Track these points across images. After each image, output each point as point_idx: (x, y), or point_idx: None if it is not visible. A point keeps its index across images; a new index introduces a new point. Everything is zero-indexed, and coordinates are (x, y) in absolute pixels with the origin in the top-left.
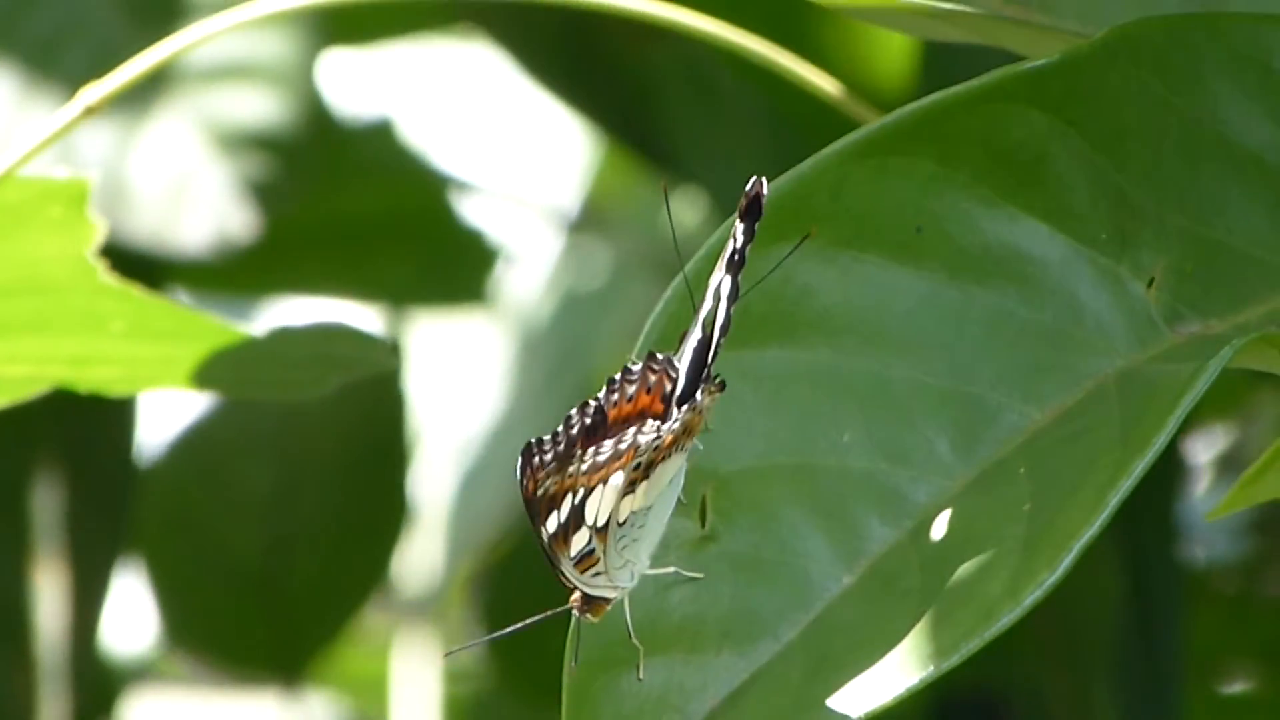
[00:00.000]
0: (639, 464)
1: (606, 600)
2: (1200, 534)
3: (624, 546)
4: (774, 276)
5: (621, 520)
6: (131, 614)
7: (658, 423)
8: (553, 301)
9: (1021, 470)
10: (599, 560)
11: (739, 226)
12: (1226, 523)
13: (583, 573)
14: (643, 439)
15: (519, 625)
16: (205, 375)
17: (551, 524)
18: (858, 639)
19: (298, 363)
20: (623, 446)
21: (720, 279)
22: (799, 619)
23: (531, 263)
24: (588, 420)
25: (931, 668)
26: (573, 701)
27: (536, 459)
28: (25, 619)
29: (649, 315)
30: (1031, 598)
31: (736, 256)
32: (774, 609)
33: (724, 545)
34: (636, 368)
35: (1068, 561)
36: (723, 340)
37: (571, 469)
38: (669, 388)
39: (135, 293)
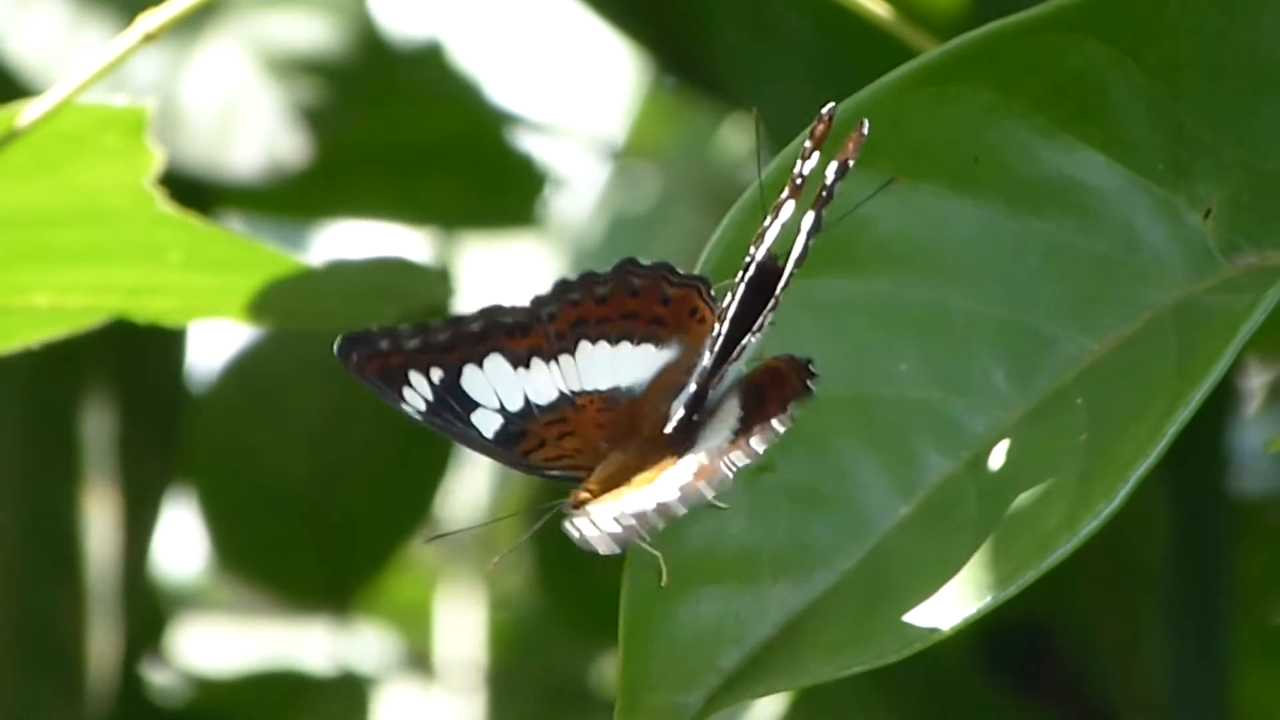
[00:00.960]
0: None
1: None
2: (1250, 465)
3: None
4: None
5: None
6: (182, 541)
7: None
8: (600, 226)
9: (1078, 401)
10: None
11: (822, 159)
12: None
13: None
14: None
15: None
16: (262, 306)
17: None
18: (914, 569)
19: (355, 294)
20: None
21: (785, 208)
22: (855, 550)
23: (580, 188)
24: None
25: (989, 598)
26: (630, 631)
27: (378, 345)
28: (76, 545)
29: (696, 240)
30: (1088, 528)
31: (825, 193)
32: (830, 540)
33: (780, 475)
34: (605, 271)
35: (1124, 492)
36: (796, 271)
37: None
38: (670, 291)
39: (193, 222)
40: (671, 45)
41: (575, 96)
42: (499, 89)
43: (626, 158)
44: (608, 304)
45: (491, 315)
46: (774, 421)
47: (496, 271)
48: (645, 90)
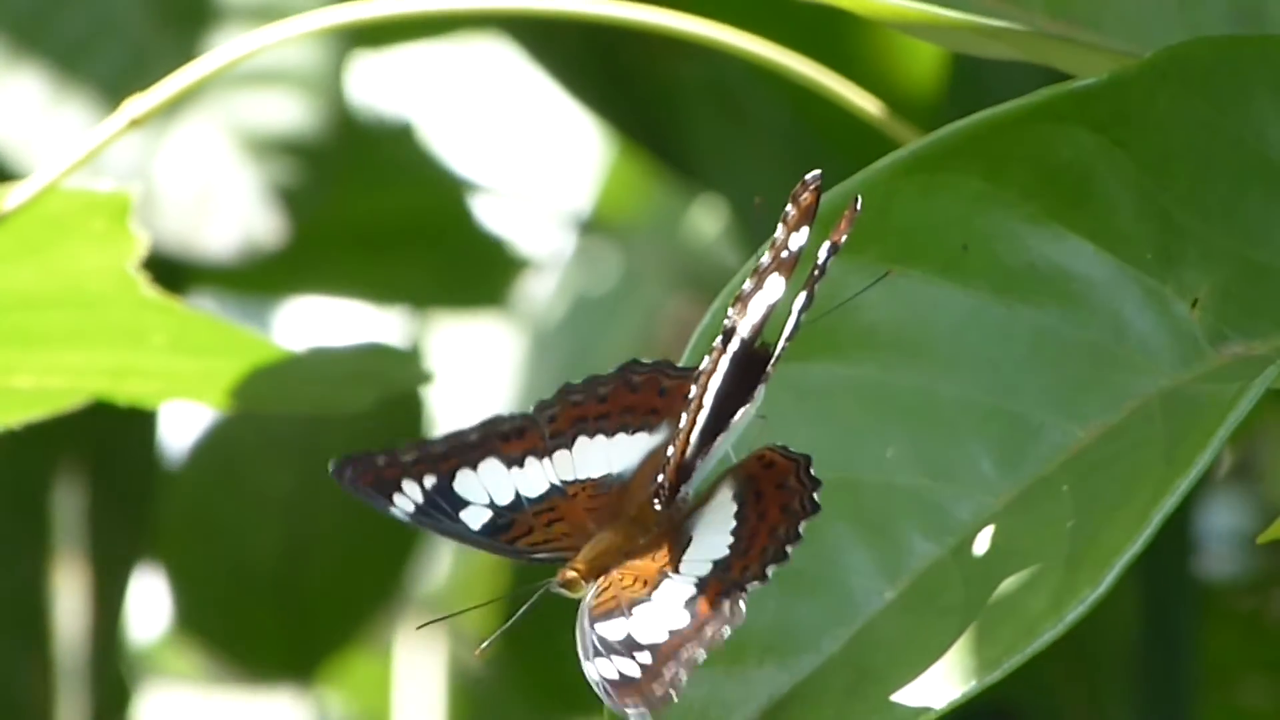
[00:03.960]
0: None
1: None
2: (1216, 548)
3: None
4: (821, 290)
5: None
6: (150, 614)
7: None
8: (564, 305)
9: (1065, 487)
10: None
11: (800, 228)
12: (1237, 538)
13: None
14: None
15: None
16: (243, 391)
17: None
18: (899, 653)
19: (336, 380)
20: None
21: (770, 279)
22: (841, 633)
23: (544, 266)
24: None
25: (973, 683)
26: (613, 712)
27: (375, 462)
28: (46, 619)
29: (660, 320)
30: (1074, 614)
31: (787, 255)
32: (816, 622)
33: None
34: (608, 374)
35: (1110, 578)
36: (786, 347)
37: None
38: (667, 384)
39: (176, 306)
40: (642, 123)
41: (542, 173)
42: (468, 165)
43: (592, 234)
44: (608, 402)
45: (490, 426)
46: (786, 547)
47: (461, 348)
48: (612, 168)
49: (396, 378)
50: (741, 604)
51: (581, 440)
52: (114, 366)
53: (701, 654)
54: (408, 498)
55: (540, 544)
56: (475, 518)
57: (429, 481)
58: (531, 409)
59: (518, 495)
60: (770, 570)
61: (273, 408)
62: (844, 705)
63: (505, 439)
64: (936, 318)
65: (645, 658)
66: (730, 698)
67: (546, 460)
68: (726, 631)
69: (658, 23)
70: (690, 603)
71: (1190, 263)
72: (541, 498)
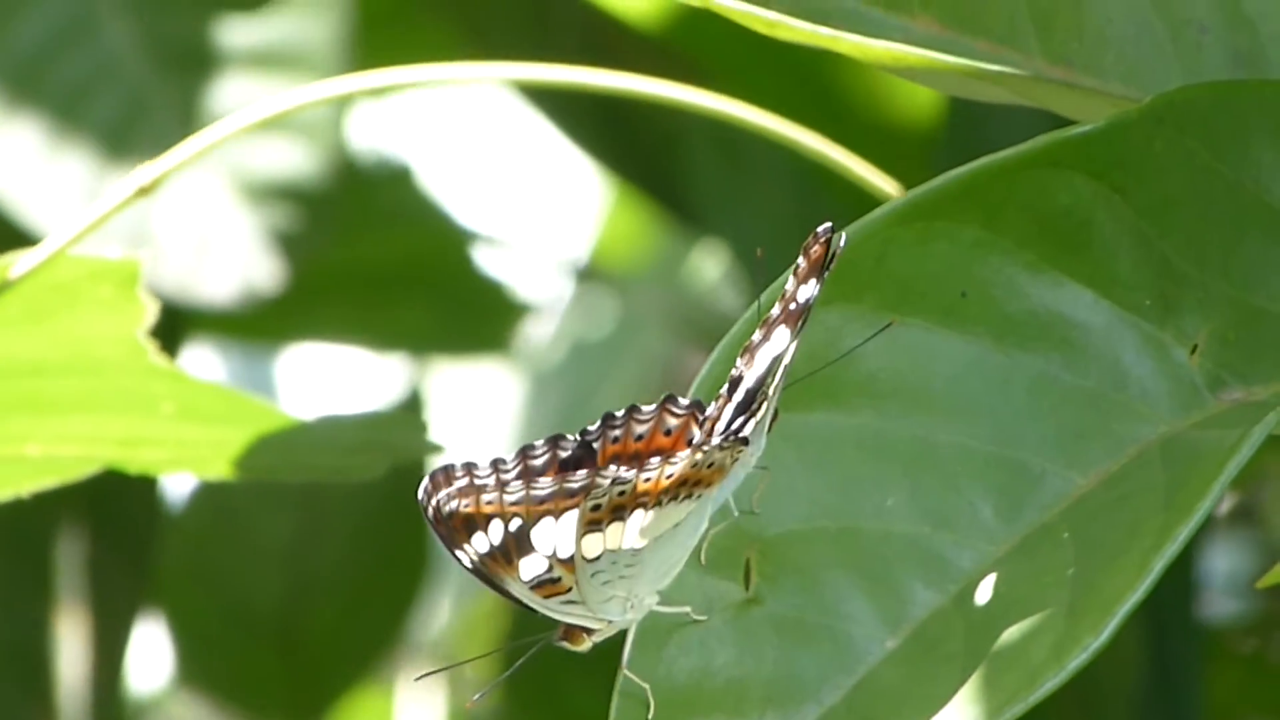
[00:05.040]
0: (598, 505)
1: (586, 630)
2: (1217, 590)
3: (605, 581)
4: (819, 340)
5: (592, 557)
6: (151, 661)
7: (625, 469)
8: (562, 350)
9: (1065, 535)
10: (570, 589)
11: (808, 280)
12: (1238, 580)
13: (546, 598)
14: (602, 481)
15: (492, 651)
16: (253, 461)
17: (481, 544)
18: (901, 703)
19: (345, 449)
20: (572, 486)
21: (777, 330)
22: (842, 682)
23: (544, 311)
24: (563, 453)
25: None
26: None
27: (456, 484)
28: (48, 667)
29: (659, 365)
30: (1076, 662)
31: (795, 307)
32: (817, 672)
33: (768, 608)
34: (649, 409)
35: (1113, 626)
36: (778, 395)
37: (491, 496)
38: (697, 434)
39: (185, 374)
40: (643, 169)
41: (542, 218)
42: (466, 210)
43: (592, 279)
44: (643, 441)
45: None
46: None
47: (460, 392)
48: (612, 213)
49: (405, 445)
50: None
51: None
52: (123, 435)
53: None
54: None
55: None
56: (531, 569)
57: (515, 524)
58: (581, 434)
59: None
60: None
61: (282, 476)
62: None
63: (565, 468)
64: (935, 366)
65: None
66: None
67: None
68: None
69: (659, 94)
70: None
71: (1189, 309)
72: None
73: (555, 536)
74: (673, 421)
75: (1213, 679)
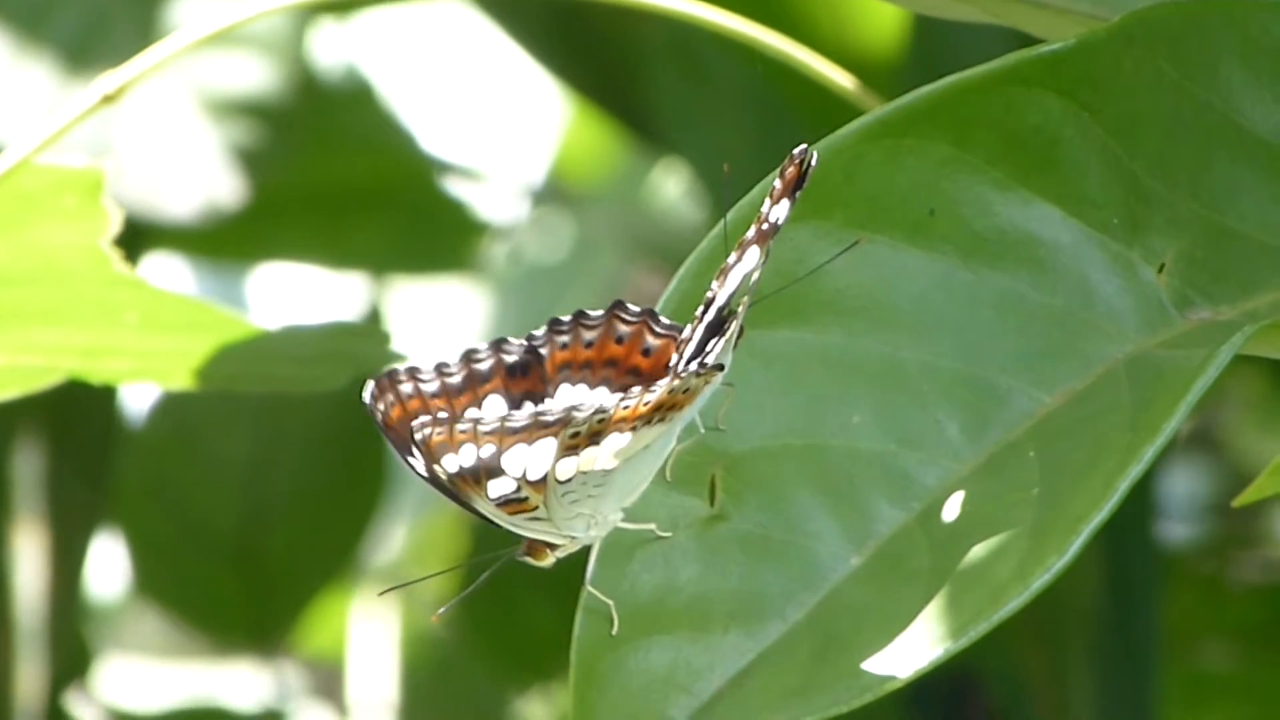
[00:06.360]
0: (577, 433)
1: (550, 545)
2: (1176, 512)
3: (574, 500)
4: (787, 257)
5: (564, 479)
6: (109, 578)
7: (597, 399)
8: (520, 270)
9: (1031, 454)
10: (537, 507)
11: (781, 200)
12: (1197, 503)
13: (512, 515)
14: (579, 414)
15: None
16: (215, 370)
17: (451, 465)
18: (865, 620)
19: (308, 359)
20: (548, 419)
21: (750, 250)
22: (807, 599)
23: (504, 230)
24: (508, 358)
25: (940, 649)
26: (580, 679)
27: (400, 388)
28: (5, 580)
29: (618, 284)
30: (1040, 581)
31: (767, 226)
32: (782, 589)
33: (733, 525)
34: (596, 314)
35: (1076, 546)
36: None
37: (464, 427)
38: (652, 342)
39: (148, 284)
40: (604, 86)
41: (503, 136)
42: (429, 130)
43: (552, 199)
44: (593, 348)
45: (499, 353)
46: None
47: (419, 311)
48: (573, 131)
49: (367, 355)
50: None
51: (564, 389)
52: (87, 345)
53: None
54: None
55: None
56: (499, 489)
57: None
58: (527, 339)
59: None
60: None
61: (244, 386)
62: (810, 672)
63: (511, 374)
64: (902, 283)
65: None
66: (696, 664)
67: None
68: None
69: None
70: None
71: (1157, 228)
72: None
73: (527, 460)
74: (624, 330)
75: (1171, 601)
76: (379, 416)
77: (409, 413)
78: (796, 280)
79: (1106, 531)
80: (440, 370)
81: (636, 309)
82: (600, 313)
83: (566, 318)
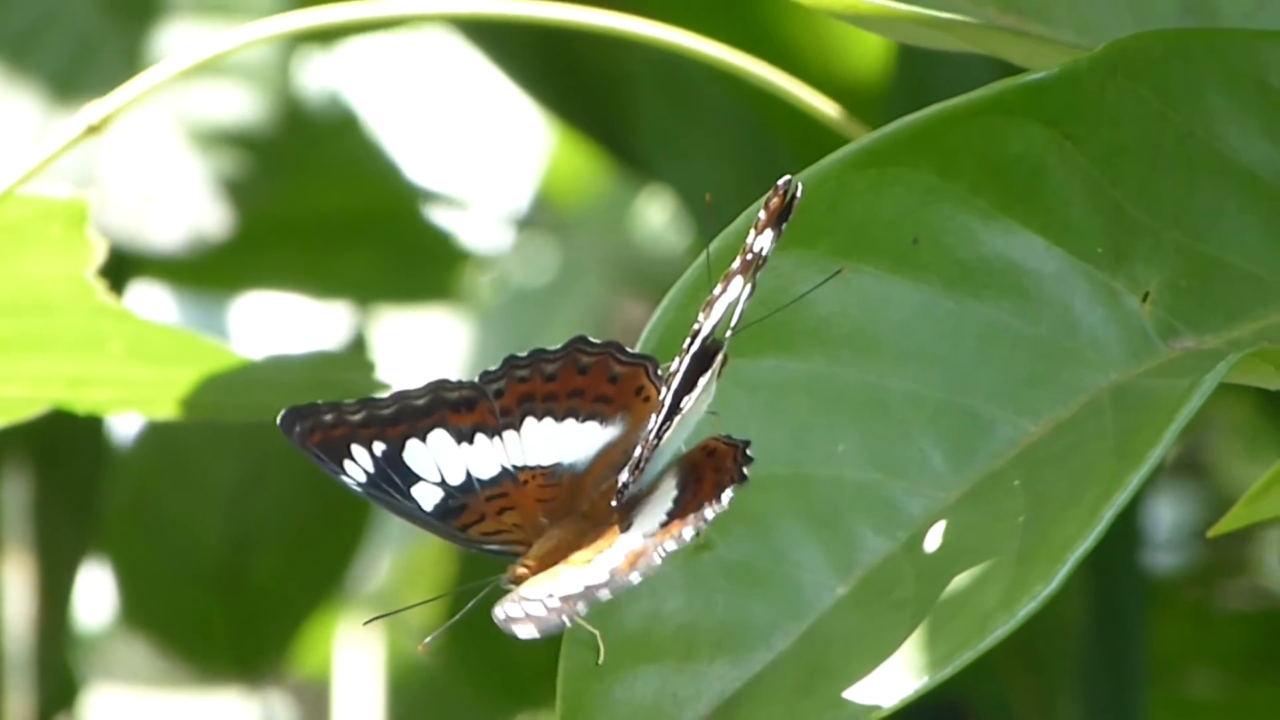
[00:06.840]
0: None
1: None
2: (1162, 540)
3: None
4: (770, 286)
5: None
6: (96, 606)
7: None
8: (504, 298)
9: (1016, 483)
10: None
11: (765, 231)
12: (1183, 530)
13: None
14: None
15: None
16: (200, 400)
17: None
18: (851, 649)
19: (292, 388)
20: None
21: (734, 281)
22: (792, 628)
23: (489, 259)
24: (449, 395)
25: (925, 678)
26: (567, 709)
27: (322, 418)
28: None
29: (602, 311)
30: (1025, 610)
31: (753, 257)
32: (768, 618)
33: (718, 554)
34: (555, 349)
35: (1062, 574)
36: (732, 338)
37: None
38: (616, 370)
39: (133, 314)
40: (589, 113)
41: (488, 165)
42: (414, 159)
43: (537, 226)
44: (555, 381)
45: (437, 390)
46: (705, 508)
47: (404, 340)
48: (558, 159)
49: (352, 385)
50: (659, 558)
51: (530, 422)
52: (72, 375)
53: (607, 595)
54: (358, 465)
55: (492, 534)
56: (427, 497)
57: (378, 448)
58: (478, 378)
59: (469, 475)
60: (690, 532)
61: (229, 416)
62: (795, 702)
63: (455, 409)
64: (887, 313)
65: (555, 604)
66: (682, 693)
67: (497, 439)
68: (637, 579)
69: (607, 25)
70: (614, 568)
71: (1141, 257)
72: (493, 480)
73: None
74: (586, 361)
75: (1157, 628)
76: (294, 439)
77: (334, 440)
78: (780, 308)
79: (1093, 559)
80: (367, 405)
81: (598, 342)
82: (560, 347)
83: (523, 354)
